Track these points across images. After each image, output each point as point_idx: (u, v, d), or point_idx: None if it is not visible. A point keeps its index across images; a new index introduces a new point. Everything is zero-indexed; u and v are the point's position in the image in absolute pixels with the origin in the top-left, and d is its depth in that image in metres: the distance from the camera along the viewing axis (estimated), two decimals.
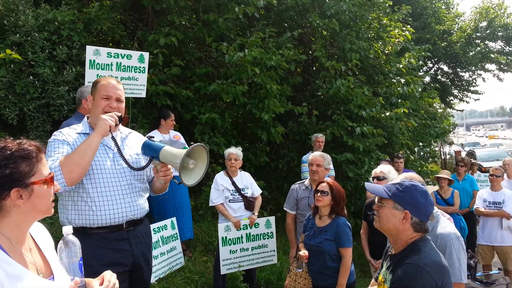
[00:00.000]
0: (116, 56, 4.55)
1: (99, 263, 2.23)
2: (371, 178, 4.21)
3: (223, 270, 4.58)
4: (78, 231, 2.23)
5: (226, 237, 4.59)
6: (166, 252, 4.38)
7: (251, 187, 4.83)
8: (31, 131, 5.15)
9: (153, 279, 4.11)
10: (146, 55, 4.92)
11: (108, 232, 2.37)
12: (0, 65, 4.92)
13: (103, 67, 4.43)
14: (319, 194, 3.39)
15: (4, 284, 1.29)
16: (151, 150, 2.36)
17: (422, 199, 1.93)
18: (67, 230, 1.61)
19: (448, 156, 21.47)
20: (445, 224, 2.62)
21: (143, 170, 2.49)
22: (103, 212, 2.36)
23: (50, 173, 1.47)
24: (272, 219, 4.97)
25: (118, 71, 4.55)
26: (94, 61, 4.38)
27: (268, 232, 4.91)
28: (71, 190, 2.33)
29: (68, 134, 2.41)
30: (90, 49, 4.39)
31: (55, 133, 2.44)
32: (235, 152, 4.70)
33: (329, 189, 3.37)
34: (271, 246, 4.95)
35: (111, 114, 2.41)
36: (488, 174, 6.10)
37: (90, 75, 4.32)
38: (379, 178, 3.99)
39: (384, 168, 4.09)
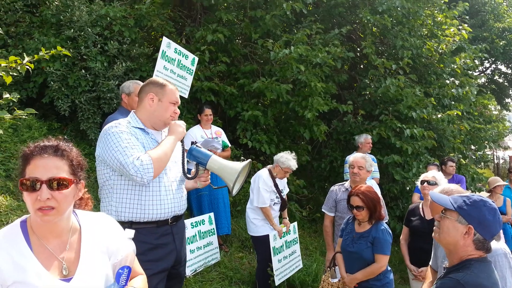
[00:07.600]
0: (179, 53, 4.64)
1: (145, 259, 2.20)
2: (418, 182, 4.04)
3: (277, 281, 4.48)
4: (124, 225, 2.27)
5: (275, 246, 4.48)
6: (203, 246, 4.42)
7: (285, 187, 4.80)
8: (82, 122, 5.38)
9: (188, 273, 4.18)
10: (196, 59, 5.04)
11: (155, 227, 2.39)
12: (54, 58, 5.16)
13: (169, 60, 4.53)
14: (354, 210, 3.28)
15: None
16: (199, 157, 2.48)
17: (490, 216, 1.83)
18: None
19: (501, 161, 20.27)
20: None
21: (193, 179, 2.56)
22: (154, 207, 2.36)
23: None
24: (296, 224, 5.03)
25: (177, 68, 4.65)
26: (165, 52, 4.44)
27: (295, 238, 4.95)
28: (118, 183, 2.33)
29: (126, 127, 2.37)
30: (165, 40, 4.46)
31: (113, 125, 2.35)
32: (295, 167, 4.56)
33: (362, 202, 3.24)
34: (298, 251, 4.99)
35: (182, 122, 2.56)
36: None
37: (159, 65, 4.42)
38: (429, 183, 3.82)
39: (437, 174, 3.92)
